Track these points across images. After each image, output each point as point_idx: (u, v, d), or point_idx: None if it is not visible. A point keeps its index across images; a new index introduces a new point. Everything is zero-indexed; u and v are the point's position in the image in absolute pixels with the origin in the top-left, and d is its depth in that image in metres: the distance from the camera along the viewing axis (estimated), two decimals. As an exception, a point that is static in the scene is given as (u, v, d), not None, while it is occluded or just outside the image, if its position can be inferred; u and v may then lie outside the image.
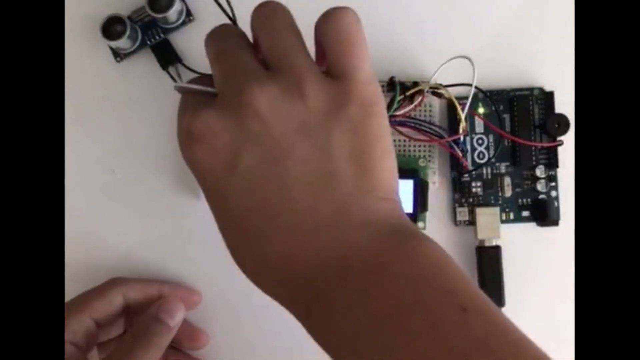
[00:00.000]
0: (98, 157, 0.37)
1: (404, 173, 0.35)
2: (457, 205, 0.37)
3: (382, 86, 0.37)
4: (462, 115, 0.34)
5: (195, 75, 0.37)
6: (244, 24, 0.28)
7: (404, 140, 0.36)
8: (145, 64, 0.38)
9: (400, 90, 0.35)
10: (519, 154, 0.36)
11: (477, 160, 0.37)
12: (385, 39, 0.38)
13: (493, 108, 0.36)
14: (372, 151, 0.23)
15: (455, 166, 0.37)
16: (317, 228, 0.23)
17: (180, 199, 0.37)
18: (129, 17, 0.37)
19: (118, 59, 0.37)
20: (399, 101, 0.35)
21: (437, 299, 0.21)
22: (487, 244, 0.36)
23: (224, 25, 0.26)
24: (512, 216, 0.37)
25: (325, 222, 0.23)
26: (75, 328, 0.30)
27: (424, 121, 0.36)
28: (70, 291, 0.33)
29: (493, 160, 0.37)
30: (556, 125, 0.36)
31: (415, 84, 0.35)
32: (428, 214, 0.36)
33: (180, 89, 0.27)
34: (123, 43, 0.36)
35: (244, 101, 0.23)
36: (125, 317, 0.34)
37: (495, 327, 0.20)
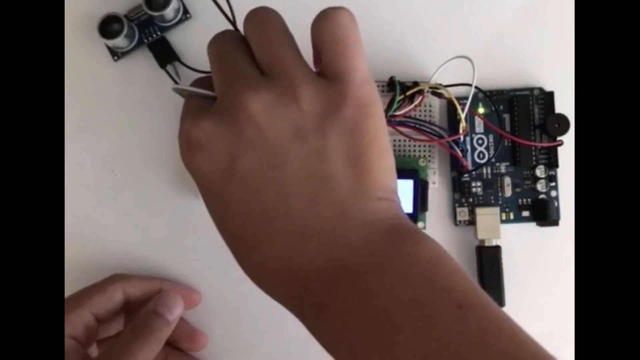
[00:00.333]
0: (97, 157, 0.37)
1: (404, 173, 0.36)
2: (457, 205, 0.37)
3: (382, 86, 0.37)
4: (462, 115, 0.34)
5: (194, 74, 0.37)
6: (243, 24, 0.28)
7: (404, 140, 0.36)
8: (143, 62, 0.37)
9: (400, 90, 0.35)
10: (519, 154, 0.36)
11: (477, 160, 0.37)
12: (385, 39, 0.38)
13: (493, 108, 0.36)
14: (369, 152, 0.23)
15: (455, 166, 0.37)
16: (316, 230, 0.23)
17: (180, 198, 0.37)
18: (126, 16, 0.37)
19: (115, 57, 0.37)
20: (399, 101, 0.35)
21: (434, 296, 0.21)
22: (487, 244, 0.36)
23: (225, 31, 0.26)
24: (512, 216, 0.37)
25: (323, 225, 0.23)
26: (76, 322, 0.30)
27: (424, 121, 0.36)
28: (71, 291, 0.33)
29: (493, 160, 0.37)
30: (556, 125, 0.36)
31: (415, 84, 0.35)
32: (428, 214, 0.36)
33: (179, 92, 0.27)
34: (120, 42, 0.36)
35: (239, 107, 0.23)
36: (125, 314, 0.34)
37: (491, 323, 0.21)
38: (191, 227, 0.37)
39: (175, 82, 0.37)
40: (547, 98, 0.37)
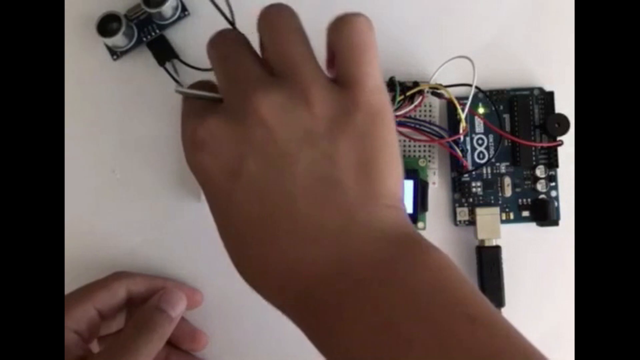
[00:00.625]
0: (98, 157, 0.37)
1: (404, 173, 0.36)
2: (457, 205, 0.37)
3: (382, 86, 0.37)
4: (462, 115, 0.34)
5: (193, 71, 0.36)
6: (243, 24, 0.28)
7: (404, 140, 0.36)
8: (142, 61, 0.37)
9: (400, 90, 0.35)
10: (519, 154, 0.36)
11: (477, 160, 0.37)
12: (385, 39, 0.37)
13: (493, 108, 0.36)
14: (379, 159, 0.23)
15: (455, 166, 0.37)
16: (321, 235, 0.22)
17: (181, 198, 0.37)
18: (125, 15, 0.37)
19: (115, 57, 0.37)
20: (399, 101, 0.35)
21: (445, 309, 0.20)
22: (487, 244, 0.36)
23: (225, 30, 0.26)
24: (512, 216, 0.37)
25: (329, 230, 0.22)
26: (79, 317, 0.30)
27: (424, 121, 0.36)
28: (70, 291, 0.33)
29: (493, 160, 0.37)
30: (556, 125, 0.36)
31: (416, 84, 0.35)
32: (428, 214, 0.36)
33: (183, 93, 0.27)
34: (119, 40, 0.36)
35: (249, 108, 0.22)
36: (127, 311, 0.34)
37: (503, 340, 0.20)
38: (191, 228, 0.37)
39: (175, 80, 0.37)
40: (547, 98, 0.37)
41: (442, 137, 0.35)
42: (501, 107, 0.37)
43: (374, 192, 0.23)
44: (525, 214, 0.37)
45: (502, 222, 0.36)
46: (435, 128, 0.35)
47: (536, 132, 0.37)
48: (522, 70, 0.37)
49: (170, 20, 0.37)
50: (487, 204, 0.37)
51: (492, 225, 0.36)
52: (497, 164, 0.37)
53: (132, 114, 0.37)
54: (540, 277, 0.37)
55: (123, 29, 0.35)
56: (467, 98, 0.35)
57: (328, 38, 0.24)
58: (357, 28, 0.23)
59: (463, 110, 0.34)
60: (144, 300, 0.33)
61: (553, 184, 0.37)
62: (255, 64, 0.24)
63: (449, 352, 0.19)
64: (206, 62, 0.27)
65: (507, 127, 0.37)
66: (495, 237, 0.36)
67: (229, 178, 0.23)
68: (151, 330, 0.30)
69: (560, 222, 0.36)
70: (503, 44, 0.37)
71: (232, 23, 0.27)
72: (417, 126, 0.35)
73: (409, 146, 0.37)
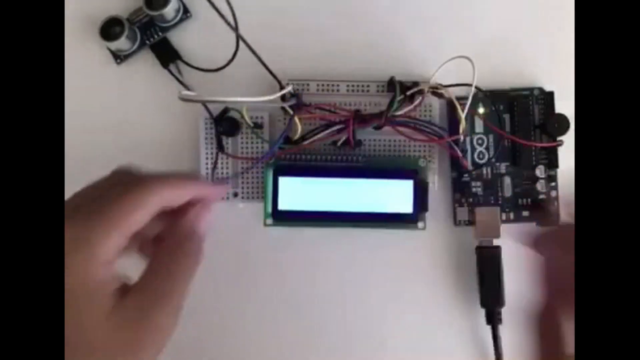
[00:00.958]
0: (102, 161, 0.37)
1: (404, 173, 0.36)
2: (457, 205, 0.37)
3: (382, 86, 0.37)
4: (462, 115, 0.34)
5: (197, 72, 0.37)
6: (244, 24, 0.28)
7: (404, 140, 0.36)
8: (146, 64, 0.38)
9: (400, 90, 0.35)
10: (519, 154, 0.36)
11: (477, 160, 0.37)
12: (386, 39, 0.38)
13: (493, 108, 0.36)
14: None
15: (455, 166, 0.37)
16: None
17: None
18: (128, 19, 0.37)
19: (118, 60, 0.38)
20: (399, 101, 0.35)
21: None
22: (487, 244, 0.36)
23: None
24: (512, 216, 0.37)
25: None
26: (111, 246, 0.25)
27: (424, 121, 0.36)
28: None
29: (493, 160, 0.37)
30: (556, 125, 0.36)
31: (415, 84, 0.35)
32: (428, 214, 0.36)
33: (187, 100, 0.26)
34: (122, 44, 0.36)
35: None
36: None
37: None
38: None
39: (179, 80, 0.37)
40: (547, 98, 0.37)
41: (442, 137, 0.35)
42: (501, 107, 0.37)
43: None
44: (525, 214, 0.37)
45: (502, 222, 0.36)
46: (435, 128, 0.35)
47: (536, 132, 0.37)
48: (522, 70, 0.37)
49: (173, 22, 0.37)
50: (487, 204, 0.37)
51: (492, 225, 0.36)
52: (497, 164, 0.37)
53: (136, 116, 0.38)
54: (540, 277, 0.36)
55: (126, 32, 0.36)
56: (467, 98, 0.35)
57: None
58: None
59: (463, 110, 0.34)
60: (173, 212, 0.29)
61: (553, 184, 0.37)
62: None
63: None
64: (208, 63, 0.27)
65: (507, 127, 0.37)
66: (495, 237, 0.36)
67: None
68: (193, 262, 0.28)
69: (560, 222, 0.36)
70: (503, 44, 0.38)
71: (234, 27, 0.28)
72: (417, 126, 0.35)
73: (409, 146, 0.37)
